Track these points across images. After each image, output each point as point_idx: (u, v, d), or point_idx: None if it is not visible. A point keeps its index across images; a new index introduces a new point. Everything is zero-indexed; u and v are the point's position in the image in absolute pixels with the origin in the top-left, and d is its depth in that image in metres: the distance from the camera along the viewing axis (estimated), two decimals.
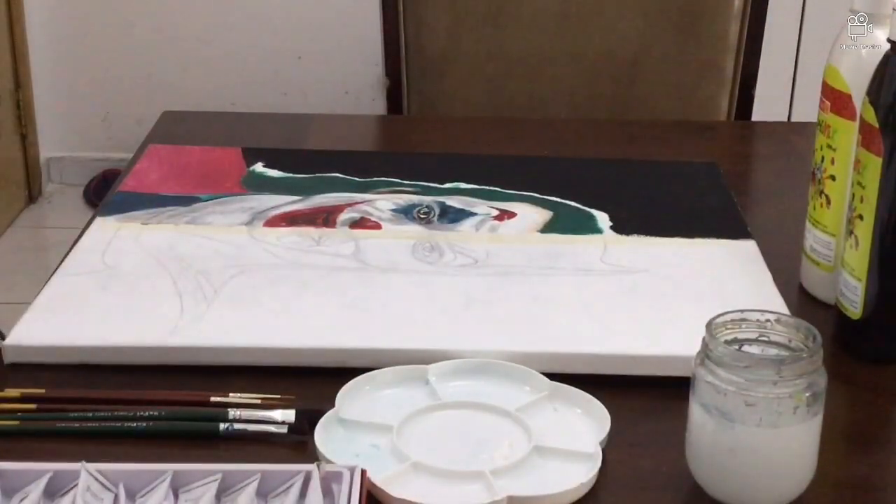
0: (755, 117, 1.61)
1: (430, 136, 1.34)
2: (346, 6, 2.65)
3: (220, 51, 2.73)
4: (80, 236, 0.99)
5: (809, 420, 0.68)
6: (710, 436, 0.68)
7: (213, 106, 2.60)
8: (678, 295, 0.91)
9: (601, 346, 0.83)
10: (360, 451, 0.73)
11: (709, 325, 0.69)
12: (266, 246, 0.98)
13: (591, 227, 1.03)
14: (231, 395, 0.78)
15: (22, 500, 0.65)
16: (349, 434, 0.75)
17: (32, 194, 2.80)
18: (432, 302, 0.89)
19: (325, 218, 1.03)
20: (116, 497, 0.66)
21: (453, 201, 1.08)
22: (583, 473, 0.71)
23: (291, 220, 1.03)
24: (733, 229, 1.03)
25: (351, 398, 0.77)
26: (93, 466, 0.66)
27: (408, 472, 0.71)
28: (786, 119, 2.54)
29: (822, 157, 0.91)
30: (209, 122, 1.42)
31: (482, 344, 0.83)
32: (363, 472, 0.67)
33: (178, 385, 0.80)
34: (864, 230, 0.83)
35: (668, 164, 1.20)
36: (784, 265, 0.96)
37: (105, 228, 1.00)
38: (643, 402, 0.80)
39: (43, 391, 0.78)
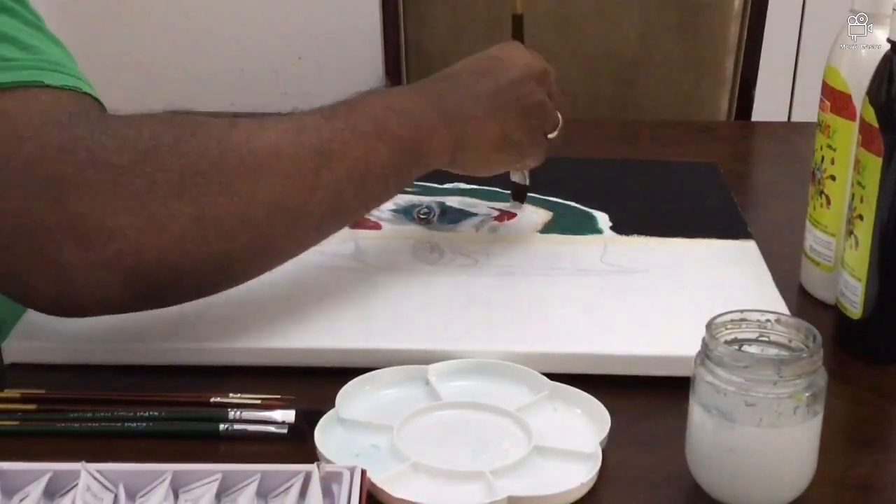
0: (755, 117, 1.61)
1: None
2: (346, 6, 2.65)
3: (220, 51, 2.73)
4: None
5: (809, 420, 0.67)
6: (710, 436, 0.68)
7: (213, 106, 2.59)
8: (678, 295, 0.91)
9: (601, 346, 0.83)
10: (360, 451, 0.73)
11: (709, 325, 0.69)
12: None
13: (591, 228, 1.03)
14: (231, 395, 0.78)
15: (22, 500, 0.65)
16: (349, 434, 0.75)
17: None
18: (432, 302, 0.89)
19: None
20: (116, 497, 0.66)
21: (453, 201, 1.08)
22: (583, 473, 0.71)
23: None
24: (733, 229, 1.03)
25: (351, 398, 0.77)
26: (93, 466, 0.66)
27: (408, 472, 0.71)
28: (786, 119, 2.53)
29: (822, 157, 0.91)
30: None
31: (482, 344, 0.83)
32: (363, 472, 0.67)
33: (178, 385, 0.80)
34: (864, 230, 0.83)
35: (668, 164, 1.20)
36: (784, 265, 0.96)
37: None
38: (643, 402, 0.80)
39: (43, 391, 0.78)
